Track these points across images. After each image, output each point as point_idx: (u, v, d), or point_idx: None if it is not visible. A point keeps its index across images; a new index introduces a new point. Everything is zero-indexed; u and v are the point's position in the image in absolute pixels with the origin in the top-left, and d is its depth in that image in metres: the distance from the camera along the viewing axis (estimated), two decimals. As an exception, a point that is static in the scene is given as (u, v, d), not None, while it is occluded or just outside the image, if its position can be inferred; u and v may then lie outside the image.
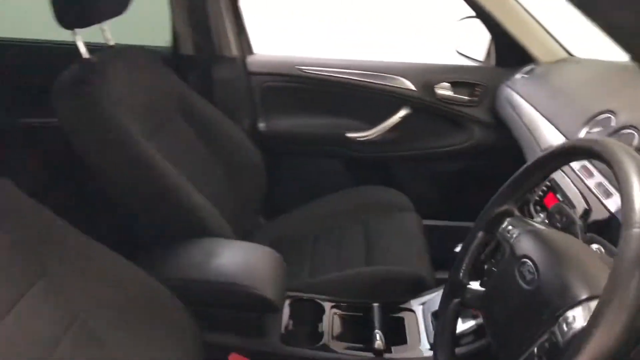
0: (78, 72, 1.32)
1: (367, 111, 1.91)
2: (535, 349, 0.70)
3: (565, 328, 0.67)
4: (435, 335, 0.99)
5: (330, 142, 1.96)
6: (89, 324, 0.95)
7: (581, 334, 0.60)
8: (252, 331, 1.22)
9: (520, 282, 0.78)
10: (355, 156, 1.98)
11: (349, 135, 1.92)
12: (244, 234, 1.42)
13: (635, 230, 0.59)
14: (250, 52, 1.94)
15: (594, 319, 0.59)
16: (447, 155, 1.94)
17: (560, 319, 0.68)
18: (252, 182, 1.75)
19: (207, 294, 1.18)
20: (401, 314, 1.34)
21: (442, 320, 0.96)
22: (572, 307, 0.68)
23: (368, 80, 1.87)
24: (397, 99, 1.87)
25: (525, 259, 0.78)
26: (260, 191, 1.80)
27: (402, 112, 1.88)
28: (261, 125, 1.94)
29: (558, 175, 1.16)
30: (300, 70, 1.89)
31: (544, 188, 1.19)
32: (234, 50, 1.86)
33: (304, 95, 1.92)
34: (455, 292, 0.95)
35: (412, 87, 1.86)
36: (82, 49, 1.35)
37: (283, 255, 1.62)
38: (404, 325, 1.30)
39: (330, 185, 1.91)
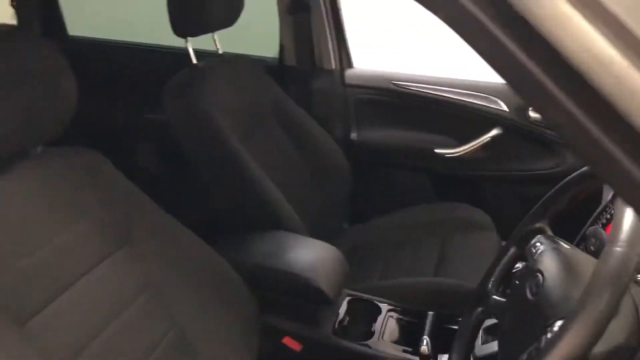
0: (186, 76, 1.51)
1: (457, 128, 1.94)
2: (525, 356, 0.73)
3: (549, 336, 0.70)
4: (454, 339, 1.03)
5: (418, 156, 2.01)
6: (160, 290, 1.10)
7: (552, 342, 0.64)
8: (307, 320, 1.32)
9: (528, 293, 0.81)
10: (441, 172, 2.01)
11: (437, 151, 1.96)
12: (326, 236, 1.52)
13: (617, 248, 0.62)
14: (350, 65, 2.05)
15: (562, 330, 0.62)
16: (535, 179, 1.91)
17: (549, 328, 0.71)
18: (337, 188, 1.86)
19: (271, 280, 1.30)
20: (454, 326, 1.37)
21: (463, 326, 1.00)
22: (562, 318, 0.71)
23: (460, 99, 1.90)
24: (488, 118, 1.88)
25: (538, 273, 0.81)
26: (345, 197, 1.90)
27: (493, 132, 1.89)
28: (353, 135, 2.04)
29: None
30: (395, 85, 1.96)
31: (608, 216, 1.18)
32: (333, 64, 1.98)
33: (397, 109, 2.00)
34: (480, 301, 0.99)
35: (505, 108, 1.86)
36: (192, 56, 1.55)
37: (359, 259, 1.72)
38: (454, 336, 1.33)
39: (414, 197, 1.97)
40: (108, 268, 1.03)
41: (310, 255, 1.34)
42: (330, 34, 1.96)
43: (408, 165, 2.06)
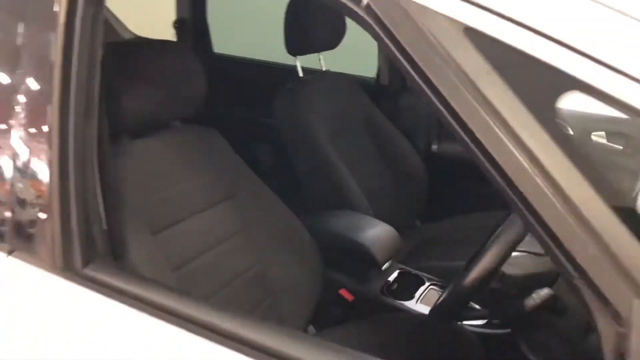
0: (292, 86, 1.94)
1: None
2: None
3: None
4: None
5: (489, 169, 2.26)
6: (249, 235, 1.49)
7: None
8: (360, 278, 1.66)
9: None
10: (509, 184, 2.24)
11: (506, 165, 2.20)
12: (398, 229, 1.83)
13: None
14: (436, 86, 2.37)
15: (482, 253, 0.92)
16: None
17: None
18: (413, 191, 2.18)
19: (336, 244, 1.67)
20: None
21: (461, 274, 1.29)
22: None
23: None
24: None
25: None
26: (420, 199, 2.21)
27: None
28: (434, 147, 2.35)
29: None
30: None
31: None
32: (420, 84, 2.31)
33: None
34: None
35: (570, 132, 2.07)
36: (300, 71, 1.98)
37: (424, 248, 2.02)
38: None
39: (483, 204, 2.21)
40: (215, 212, 1.44)
41: (369, 229, 1.69)
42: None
43: (480, 176, 2.31)
